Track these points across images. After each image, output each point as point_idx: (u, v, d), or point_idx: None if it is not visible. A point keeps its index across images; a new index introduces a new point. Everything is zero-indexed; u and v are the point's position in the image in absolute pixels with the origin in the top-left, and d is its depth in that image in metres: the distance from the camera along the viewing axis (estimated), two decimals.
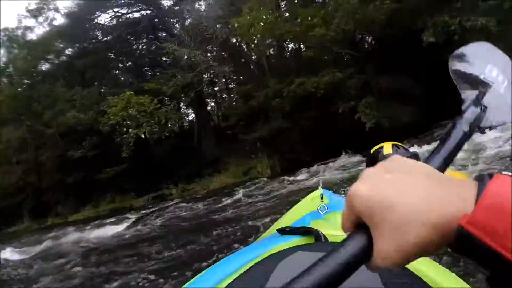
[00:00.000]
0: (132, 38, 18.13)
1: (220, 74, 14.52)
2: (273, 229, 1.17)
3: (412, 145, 7.75)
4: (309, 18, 10.66)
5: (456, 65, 0.47)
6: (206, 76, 16.70)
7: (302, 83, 10.60)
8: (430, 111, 9.53)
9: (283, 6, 13.31)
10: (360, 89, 10.34)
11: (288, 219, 1.17)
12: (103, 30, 17.69)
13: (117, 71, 18.81)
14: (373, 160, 1.39)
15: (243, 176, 13.82)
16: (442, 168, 0.33)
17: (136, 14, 17.76)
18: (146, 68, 18.86)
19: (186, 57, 13.73)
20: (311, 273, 0.26)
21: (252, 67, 14.54)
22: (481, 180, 0.24)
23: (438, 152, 0.35)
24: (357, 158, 8.78)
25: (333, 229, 0.83)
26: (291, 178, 9.24)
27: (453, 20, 8.22)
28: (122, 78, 18.68)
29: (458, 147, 0.36)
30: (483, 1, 8.54)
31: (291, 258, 0.56)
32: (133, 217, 9.87)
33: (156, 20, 17.63)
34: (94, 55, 16.58)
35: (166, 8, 17.48)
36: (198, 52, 13.59)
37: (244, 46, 14.98)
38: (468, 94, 0.42)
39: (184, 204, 10.10)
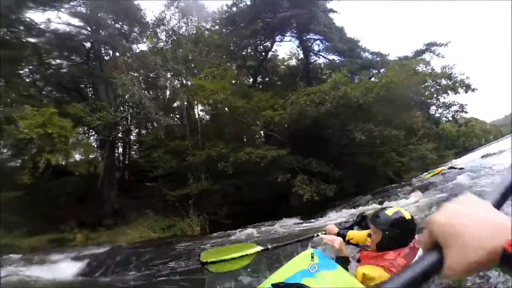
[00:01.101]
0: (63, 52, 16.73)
1: (154, 121, 14.84)
2: (266, 283, 1.23)
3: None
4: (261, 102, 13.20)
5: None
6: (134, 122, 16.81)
7: (249, 153, 12.34)
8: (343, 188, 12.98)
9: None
10: (296, 167, 12.87)
11: (280, 275, 1.23)
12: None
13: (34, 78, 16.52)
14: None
15: (163, 232, 13.62)
16: (499, 202, 0.46)
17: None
18: (69, 87, 17.41)
19: (128, 95, 13.78)
20: (401, 276, 0.39)
21: (187, 126, 15.49)
22: None
23: (496, 189, 0.48)
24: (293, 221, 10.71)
25: (324, 286, 0.91)
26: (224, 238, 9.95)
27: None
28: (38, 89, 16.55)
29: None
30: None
31: None
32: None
33: (94, 42, 17.06)
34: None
35: (114, 33, 17.13)
36: (140, 91, 13.96)
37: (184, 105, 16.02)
38: None
39: None
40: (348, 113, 13.01)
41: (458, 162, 17.65)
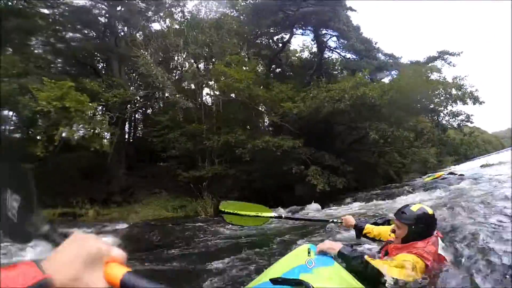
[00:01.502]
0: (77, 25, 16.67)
1: (174, 103, 15.23)
2: (263, 277, 1.25)
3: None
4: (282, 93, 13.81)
5: None
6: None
7: (267, 141, 13.00)
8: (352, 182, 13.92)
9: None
10: (307, 159, 13.61)
11: (277, 269, 1.24)
12: None
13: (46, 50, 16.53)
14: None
15: (176, 212, 14.28)
16: None
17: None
18: (84, 62, 17.60)
19: (152, 73, 14.08)
20: None
21: (202, 110, 15.96)
22: None
23: None
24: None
25: (321, 282, 0.95)
26: None
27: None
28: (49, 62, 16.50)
29: None
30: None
31: None
32: None
33: (111, 17, 17.16)
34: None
35: (131, 9, 17.13)
36: (163, 72, 14.32)
37: (204, 91, 16.43)
38: None
39: None
40: (361, 111, 13.75)
41: (458, 168, 18.70)
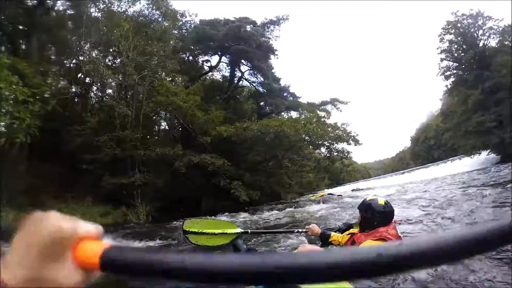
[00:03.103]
0: None
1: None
2: None
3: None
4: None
5: None
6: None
7: (203, 158, 15.73)
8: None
9: None
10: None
11: None
12: None
13: None
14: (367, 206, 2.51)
15: (100, 219, 14.97)
16: None
17: None
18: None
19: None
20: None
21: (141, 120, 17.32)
22: None
23: None
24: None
25: None
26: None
27: None
28: None
29: None
30: None
31: None
32: None
33: None
34: None
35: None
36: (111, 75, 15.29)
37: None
38: None
39: None
40: (276, 142, 17.90)
41: (334, 191, 24.96)
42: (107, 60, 16.89)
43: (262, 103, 25.26)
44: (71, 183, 16.96)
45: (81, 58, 17.01)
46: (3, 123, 12.91)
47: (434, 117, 53.68)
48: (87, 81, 16.78)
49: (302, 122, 19.04)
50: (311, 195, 23.25)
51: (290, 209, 13.53)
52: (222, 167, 16.12)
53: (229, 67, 24.52)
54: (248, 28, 22.10)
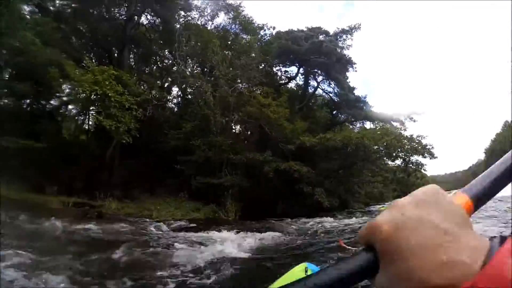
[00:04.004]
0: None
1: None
2: None
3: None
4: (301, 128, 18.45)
5: None
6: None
7: (289, 165, 17.38)
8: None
9: None
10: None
11: None
12: None
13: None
14: None
15: (190, 214, 17.11)
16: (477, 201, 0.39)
17: None
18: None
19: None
20: (323, 274, 0.37)
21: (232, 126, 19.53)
22: (492, 243, 0.29)
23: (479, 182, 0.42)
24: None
25: None
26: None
27: None
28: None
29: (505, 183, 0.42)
30: None
31: None
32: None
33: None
34: None
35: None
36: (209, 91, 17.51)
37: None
38: None
39: None
40: (354, 153, 19.06)
41: None
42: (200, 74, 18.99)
43: (335, 112, 26.53)
44: (162, 180, 19.69)
45: (174, 68, 19.47)
46: (110, 126, 14.82)
47: (510, 128, 50.82)
48: (184, 91, 19.10)
49: (378, 133, 20.01)
50: (381, 206, 23.98)
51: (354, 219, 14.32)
52: (306, 174, 17.62)
53: (303, 76, 26.12)
54: (321, 37, 23.54)
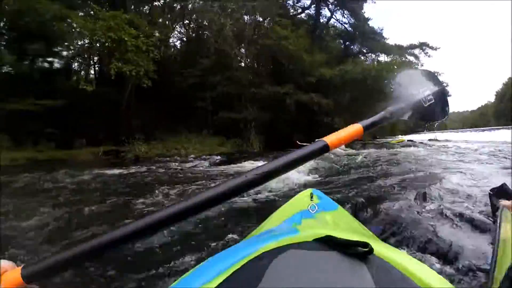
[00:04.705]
0: None
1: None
2: (264, 225, 1.28)
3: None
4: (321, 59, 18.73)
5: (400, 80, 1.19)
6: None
7: (311, 97, 17.97)
8: None
9: None
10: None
11: (277, 217, 1.26)
12: None
13: None
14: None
15: (218, 147, 18.15)
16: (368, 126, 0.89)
17: None
18: None
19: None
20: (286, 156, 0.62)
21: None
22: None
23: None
24: None
25: (325, 227, 0.99)
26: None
27: None
28: None
29: (382, 121, 0.95)
30: None
31: (285, 256, 0.61)
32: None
33: None
34: None
35: None
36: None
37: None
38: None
39: None
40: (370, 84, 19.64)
41: (411, 137, 26.44)
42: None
43: (347, 43, 26.50)
44: (184, 119, 20.27)
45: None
46: (130, 71, 14.69)
47: None
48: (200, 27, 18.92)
49: (395, 66, 20.36)
50: (390, 138, 25.12)
51: (385, 150, 14.64)
52: (326, 106, 18.36)
53: (315, 5, 25.60)
54: None
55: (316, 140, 0.72)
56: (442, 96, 1.06)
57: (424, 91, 1.04)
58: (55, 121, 14.77)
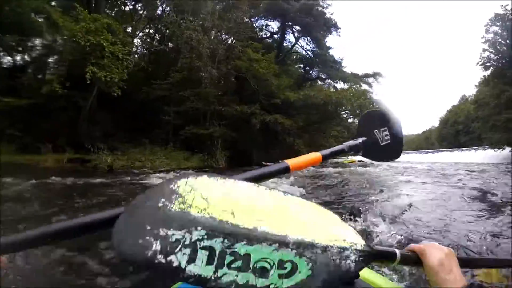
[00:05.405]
0: None
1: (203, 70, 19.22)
2: None
3: None
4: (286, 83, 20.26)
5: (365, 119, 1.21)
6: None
7: (275, 117, 19.30)
8: None
9: None
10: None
11: None
12: None
13: None
14: None
15: (185, 162, 18.56)
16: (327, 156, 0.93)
17: None
18: None
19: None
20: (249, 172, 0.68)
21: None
22: None
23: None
24: None
25: None
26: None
27: None
28: None
29: (339, 153, 0.97)
30: None
31: None
32: None
33: None
34: None
35: None
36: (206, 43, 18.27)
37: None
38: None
39: None
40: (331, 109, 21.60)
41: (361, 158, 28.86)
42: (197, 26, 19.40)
43: (307, 69, 28.63)
44: (147, 131, 19.94)
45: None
46: (105, 77, 14.68)
47: (466, 102, 55.65)
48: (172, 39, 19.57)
49: (352, 94, 22.64)
50: (341, 159, 27.16)
51: (340, 169, 15.87)
52: (288, 127, 19.82)
53: (280, 30, 27.49)
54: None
55: (280, 161, 0.82)
56: (398, 138, 1.15)
57: (384, 131, 1.13)
58: (17, 122, 14.31)
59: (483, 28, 27.35)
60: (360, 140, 1.07)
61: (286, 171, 0.83)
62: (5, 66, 15.80)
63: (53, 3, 15.48)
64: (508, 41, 25.89)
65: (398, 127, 1.14)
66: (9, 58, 16.28)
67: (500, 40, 26.52)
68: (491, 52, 26.90)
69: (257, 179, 0.75)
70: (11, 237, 0.53)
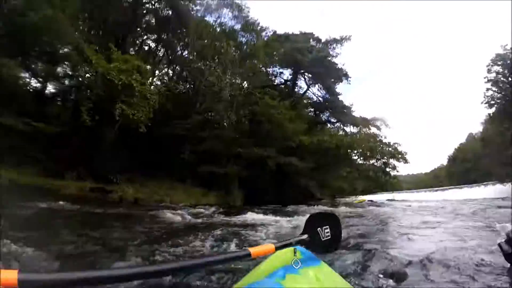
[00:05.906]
0: None
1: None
2: (243, 283, 1.24)
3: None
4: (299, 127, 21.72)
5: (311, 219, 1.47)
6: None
7: (289, 160, 20.52)
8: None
9: None
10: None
11: (259, 272, 1.25)
12: None
13: None
14: None
15: (202, 198, 19.61)
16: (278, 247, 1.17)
17: None
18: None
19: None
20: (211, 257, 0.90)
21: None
22: None
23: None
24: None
25: (309, 282, 1.10)
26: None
27: None
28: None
29: (288, 245, 1.22)
30: None
31: None
32: None
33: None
34: None
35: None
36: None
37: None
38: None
39: None
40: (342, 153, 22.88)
41: (371, 198, 29.87)
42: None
43: (317, 113, 30.36)
44: (166, 166, 21.32)
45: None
46: (133, 115, 15.79)
47: (474, 140, 56.54)
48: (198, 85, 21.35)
49: (363, 138, 24.06)
50: (348, 198, 28.11)
51: (354, 209, 15.48)
52: (302, 169, 20.98)
53: (291, 77, 29.59)
54: (319, 46, 27.04)
55: (244, 247, 0.86)
56: (337, 235, 1.43)
57: (326, 229, 1.39)
58: (40, 146, 14.91)
59: (485, 68, 28.67)
60: (305, 236, 1.36)
61: (247, 257, 1.07)
62: (35, 92, 17.08)
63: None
64: (510, 79, 26.93)
65: (339, 226, 1.47)
66: (39, 85, 17.64)
67: (502, 78, 27.64)
68: (494, 90, 28.05)
69: (219, 263, 1.02)
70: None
